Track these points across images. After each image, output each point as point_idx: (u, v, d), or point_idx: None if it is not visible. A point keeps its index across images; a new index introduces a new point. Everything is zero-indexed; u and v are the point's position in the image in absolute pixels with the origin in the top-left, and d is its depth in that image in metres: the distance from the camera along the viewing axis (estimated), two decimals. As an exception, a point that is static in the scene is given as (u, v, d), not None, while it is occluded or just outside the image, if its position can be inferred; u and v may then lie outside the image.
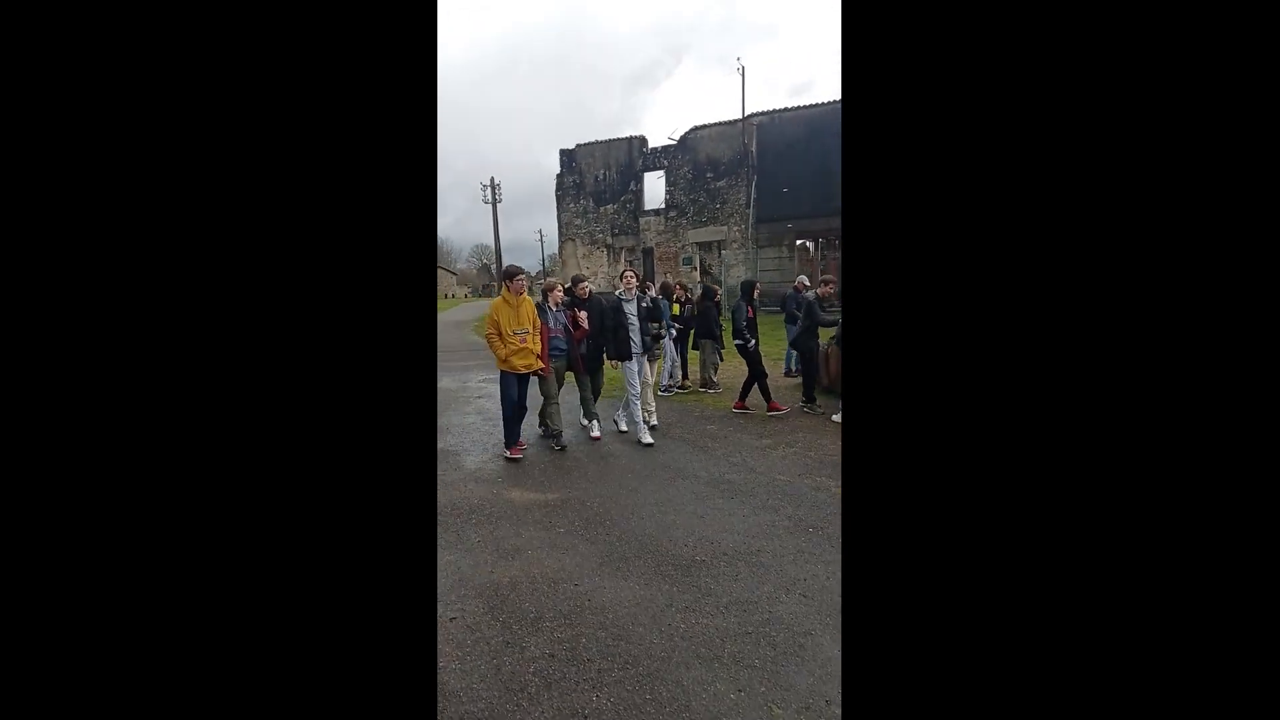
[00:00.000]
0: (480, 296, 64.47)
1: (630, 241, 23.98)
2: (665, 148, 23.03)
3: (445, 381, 9.34)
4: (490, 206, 29.19)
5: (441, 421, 6.65)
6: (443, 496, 4.38)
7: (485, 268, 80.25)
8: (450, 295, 62.97)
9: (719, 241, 21.81)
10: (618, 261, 24.61)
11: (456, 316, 27.47)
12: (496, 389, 8.14)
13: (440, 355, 12.73)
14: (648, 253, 23.94)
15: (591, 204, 24.48)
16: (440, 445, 5.75)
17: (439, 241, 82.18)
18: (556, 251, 29.71)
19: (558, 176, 25.19)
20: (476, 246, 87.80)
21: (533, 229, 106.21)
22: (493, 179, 29.61)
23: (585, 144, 24.52)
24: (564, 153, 24.92)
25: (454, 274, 70.32)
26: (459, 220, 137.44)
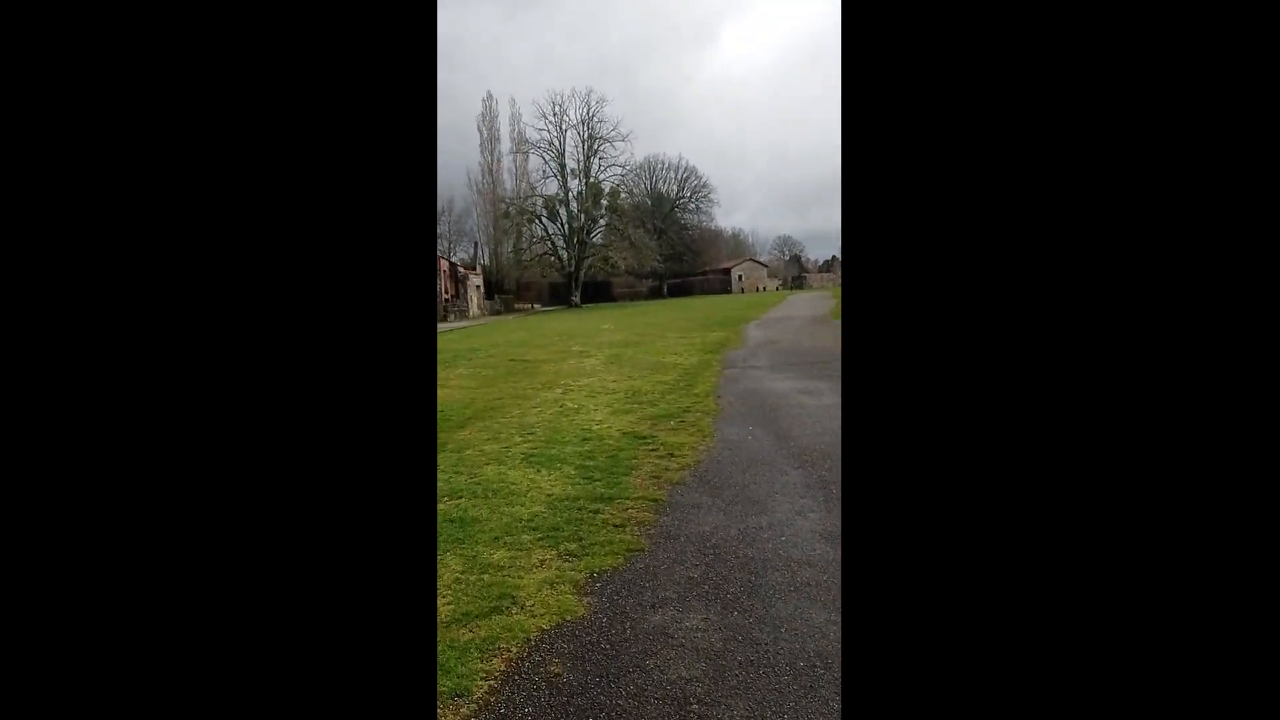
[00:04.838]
0: (791, 289, 61.18)
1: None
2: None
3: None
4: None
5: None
6: None
7: (795, 259, 76.98)
8: (762, 288, 60.51)
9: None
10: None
11: (800, 309, 23.46)
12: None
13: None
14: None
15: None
16: None
17: (745, 235, 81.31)
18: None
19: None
20: (779, 238, 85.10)
21: (834, 219, 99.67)
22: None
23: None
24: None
25: (764, 265, 67.85)
26: (756, 214, 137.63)
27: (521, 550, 3.05)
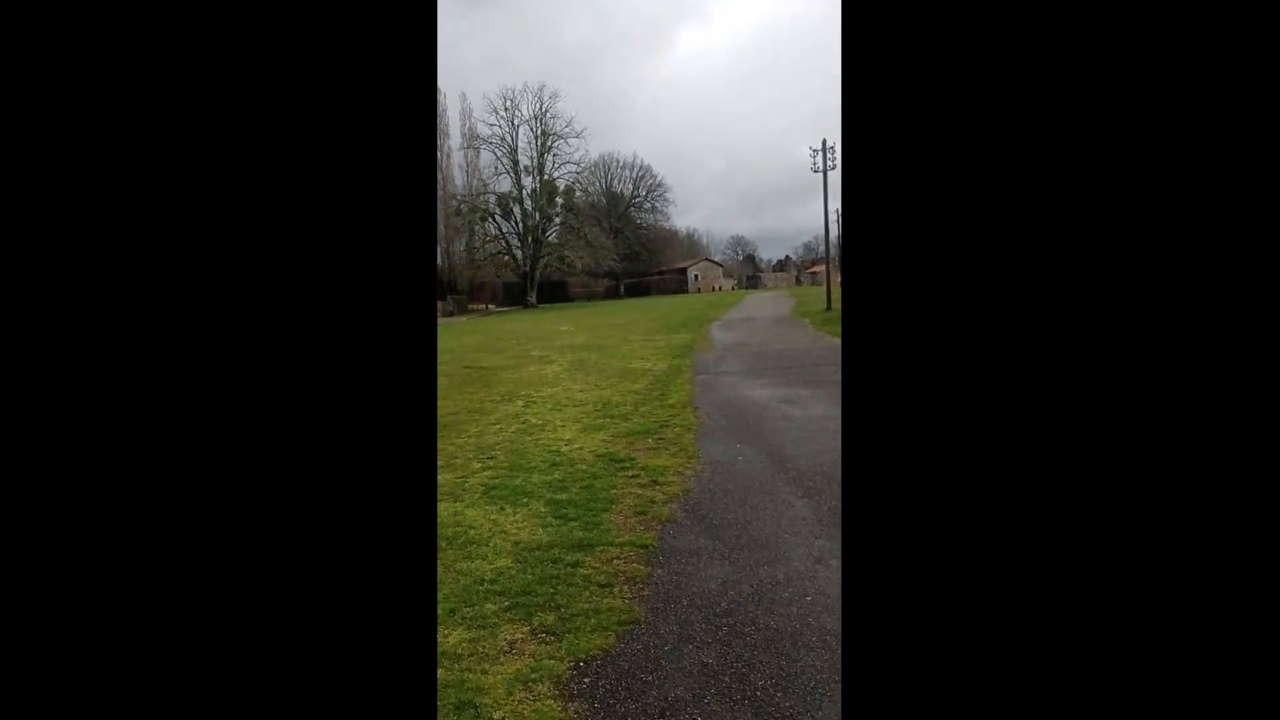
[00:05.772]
0: (746, 288, 61.39)
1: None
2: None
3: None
4: (821, 175, 23.43)
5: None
6: None
7: (749, 259, 77.40)
8: (718, 288, 60.50)
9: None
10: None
11: (762, 309, 23.12)
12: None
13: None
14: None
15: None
16: None
17: (699, 235, 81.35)
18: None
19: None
20: (733, 238, 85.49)
21: (786, 220, 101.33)
22: (825, 141, 23.49)
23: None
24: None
25: (720, 265, 67.98)
26: (710, 215, 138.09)
27: (485, 628, 2.40)
